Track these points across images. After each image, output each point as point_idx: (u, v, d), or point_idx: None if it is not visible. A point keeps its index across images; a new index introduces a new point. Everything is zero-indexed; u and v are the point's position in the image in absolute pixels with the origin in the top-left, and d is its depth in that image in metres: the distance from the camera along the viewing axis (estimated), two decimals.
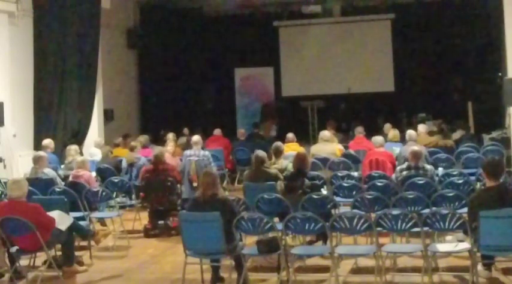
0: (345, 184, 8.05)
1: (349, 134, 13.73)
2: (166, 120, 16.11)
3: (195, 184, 9.30)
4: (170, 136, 11.70)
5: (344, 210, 7.11)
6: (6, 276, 6.68)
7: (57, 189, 8.22)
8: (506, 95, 11.01)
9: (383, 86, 17.34)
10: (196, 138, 10.15)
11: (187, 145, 11.01)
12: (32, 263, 7.10)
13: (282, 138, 11.74)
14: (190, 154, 9.82)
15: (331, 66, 17.63)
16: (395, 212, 6.03)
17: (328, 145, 10.48)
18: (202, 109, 17.87)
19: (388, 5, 17.33)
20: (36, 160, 9.09)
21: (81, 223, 7.36)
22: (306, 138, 14.81)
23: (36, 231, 6.22)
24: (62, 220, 6.72)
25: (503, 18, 11.42)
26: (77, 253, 7.16)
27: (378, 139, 9.57)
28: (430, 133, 11.86)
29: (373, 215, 6.40)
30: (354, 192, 7.78)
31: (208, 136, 13.27)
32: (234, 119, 17.88)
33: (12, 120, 11.21)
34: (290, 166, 8.06)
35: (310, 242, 7.17)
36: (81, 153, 10.97)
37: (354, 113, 16.83)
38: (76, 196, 7.93)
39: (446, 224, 5.87)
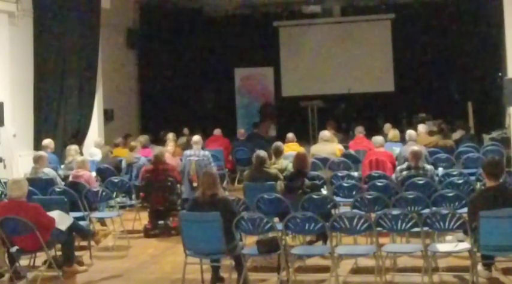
0: (345, 184, 8.05)
1: (349, 134, 13.74)
2: (166, 120, 16.11)
3: (195, 184, 9.31)
4: (170, 136, 11.71)
5: (344, 210, 7.11)
6: (6, 276, 6.67)
7: (57, 189, 8.22)
8: (506, 95, 11.01)
9: (383, 86, 17.33)
10: (196, 138, 10.16)
11: (187, 145, 11.01)
12: (32, 263, 7.11)
13: (282, 138, 11.74)
14: (190, 154, 9.83)
15: (331, 66, 17.62)
16: (395, 212, 6.03)
17: (328, 145, 10.48)
18: (202, 109, 17.86)
19: (388, 5, 17.33)
20: (37, 160, 9.09)
21: (81, 223, 7.36)
22: (306, 138, 14.81)
23: (36, 231, 6.23)
24: (62, 220, 6.72)
25: (503, 18, 11.42)
26: (77, 253, 7.16)
27: (378, 139, 9.57)
28: (430, 133, 11.86)
29: (373, 215, 6.40)
30: (354, 192, 7.78)
31: (208, 136, 13.27)
32: (234, 119, 17.88)
33: (12, 120, 11.21)
34: (290, 166, 8.06)
35: (310, 242, 7.17)
36: (81, 153, 10.97)
37: (354, 113, 16.83)
38: (76, 196, 7.93)
39: (446, 224, 5.87)
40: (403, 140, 10.56)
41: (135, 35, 16.49)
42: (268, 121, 16.57)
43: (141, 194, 9.19)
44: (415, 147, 8.50)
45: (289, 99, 17.68)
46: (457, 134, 12.54)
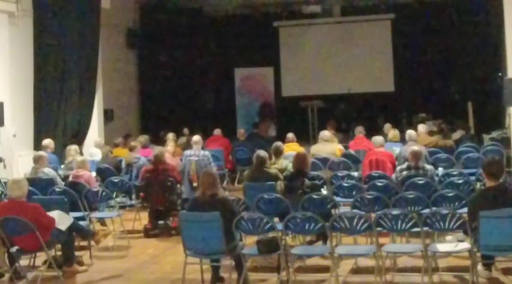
0: (345, 184, 8.05)
1: (349, 134, 13.73)
2: (166, 120, 16.11)
3: (195, 184, 9.30)
4: (170, 136, 11.71)
5: (344, 210, 7.11)
6: (6, 276, 6.67)
7: (57, 189, 8.22)
8: (506, 95, 11.01)
9: (383, 86, 17.33)
10: (196, 138, 10.16)
11: (187, 145, 11.01)
12: (32, 263, 7.11)
13: (282, 138, 11.74)
14: (190, 154, 9.83)
15: (331, 66, 17.62)
16: (395, 212, 6.03)
17: (328, 145, 10.48)
18: (202, 109, 17.86)
19: (388, 5, 17.32)
20: (37, 160, 9.09)
21: (81, 223, 7.36)
22: (306, 138, 14.80)
23: (36, 231, 6.23)
24: (62, 220, 6.72)
25: (503, 18, 11.42)
26: (77, 253, 7.16)
27: (378, 139, 9.57)
28: (430, 133, 11.86)
29: (373, 215, 6.40)
30: (354, 192, 7.78)
31: (208, 136, 13.27)
32: (234, 119, 17.87)
33: (12, 120, 11.21)
34: (290, 166, 8.07)
35: (310, 242, 7.17)
36: (81, 153, 10.97)
37: (354, 113, 16.83)
38: (76, 196, 7.93)
39: (446, 224, 5.87)
40: (403, 140, 10.56)
41: (135, 35, 16.50)
42: (267, 121, 16.57)
43: (141, 194, 9.19)
44: (415, 147, 8.51)
45: (289, 99, 17.67)
46: (457, 134, 12.54)
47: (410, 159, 8.06)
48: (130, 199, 9.63)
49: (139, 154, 10.86)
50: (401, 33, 17.19)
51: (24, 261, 6.96)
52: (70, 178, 8.83)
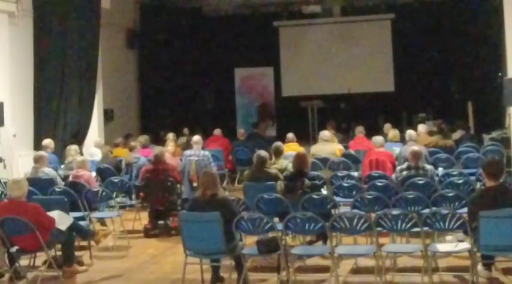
0: (345, 184, 8.05)
1: (349, 134, 13.73)
2: (166, 120, 16.12)
3: (195, 184, 9.30)
4: (170, 136, 11.70)
5: (344, 210, 7.12)
6: (6, 276, 6.67)
7: (57, 189, 8.22)
8: (506, 95, 11.00)
9: (383, 86, 17.33)
10: (196, 138, 10.16)
11: (187, 145, 11.01)
12: (32, 263, 7.11)
13: (282, 138, 11.74)
14: (190, 154, 9.83)
15: (331, 66, 17.61)
16: (395, 212, 6.04)
17: (328, 145, 10.47)
18: (202, 109, 17.86)
19: (388, 5, 17.32)
20: (37, 160, 9.09)
21: (81, 223, 7.36)
22: (306, 138, 14.79)
23: (36, 231, 6.23)
24: (62, 220, 6.72)
25: (503, 18, 11.41)
26: (77, 253, 7.16)
27: (378, 139, 9.57)
28: (430, 133, 11.86)
29: (373, 215, 6.41)
30: (354, 192, 7.78)
31: (208, 136, 13.27)
32: (234, 119, 17.88)
33: (12, 120, 11.21)
34: (290, 166, 8.07)
35: (310, 242, 7.17)
36: (81, 153, 10.97)
37: (354, 113, 16.81)
38: (76, 196, 7.93)
39: (446, 224, 5.88)
40: (403, 140, 10.56)
41: (135, 35, 16.49)
42: (266, 121, 16.57)
43: (141, 194, 9.20)
44: (415, 147, 8.51)
45: (289, 99, 17.67)
46: (457, 134, 12.54)
47: (410, 159, 8.06)
48: (131, 199, 9.62)
49: (139, 154, 10.86)
50: (401, 33, 17.20)
51: (24, 261, 6.96)
52: (70, 178, 8.83)
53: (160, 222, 8.69)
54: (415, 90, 17.07)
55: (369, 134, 11.21)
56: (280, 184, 7.44)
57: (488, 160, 6.36)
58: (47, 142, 10.65)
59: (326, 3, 17.31)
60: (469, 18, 16.23)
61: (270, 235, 6.18)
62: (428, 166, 8.09)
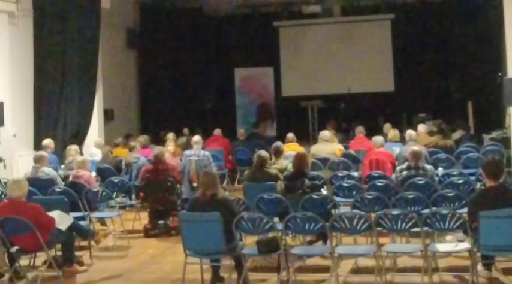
0: (345, 184, 8.05)
1: (349, 134, 13.73)
2: (166, 120, 16.11)
3: (195, 184, 9.30)
4: (170, 136, 11.70)
5: (344, 210, 7.12)
6: (6, 276, 6.67)
7: (57, 189, 8.22)
8: (506, 95, 10.99)
9: (383, 86, 17.32)
10: (196, 138, 10.16)
11: (188, 145, 11.01)
12: (32, 263, 7.11)
13: (282, 138, 11.74)
14: (190, 154, 9.83)
15: (331, 66, 17.61)
16: (395, 212, 6.03)
17: (328, 145, 10.48)
18: (202, 109, 17.85)
19: (388, 5, 17.31)
20: (37, 160, 9.09)
21: (81, 223, 7.36)
22: (306, 138, 14.79)
23: (36, 231, 6.23)
24: (62, 220, 6.72)
25: (503, 18, 11.41)
26: (77, 253, 7.16)
27: (378, 139, 9.57)
28: (430, 133, 11.86)
29: (373, 215, 6.41)
30: (354, 192, 7.78)
31: (208, 136, 13.28)
32: (234, 119, 17.88)
33: (12, 120, 11.21)
34: (290, 166, 8.07)
35: (310, 242, 7.17)
36: (81, 153, 10.97)
37: (354, 113, 16.81)
38: (76, 196, 7.94)
39: (446, 224, 5.88)
40: (403, 140, 10.56)
41: (135, 35, 16.50)
42: (266, 121, 16.57)
43: (141, 194, 9.19)
44: (415, 147, 8.51)
45: (289, 99, 17.66)
46: (457, 134, 12.54)
47: (410, 159, 8.06)
48: (131, 199, 9.62)
49: (139, 154, 10.86)
50: (401, 33, 17.19)
51: (24, 261, 6.96)
52: (70, 178, 8.84)
53: (160, 222, 8.69)
54: (415, 90, 17.06)
55: (369, 134, 11.21)
56: (280, 184, 7.45)
57: (488, 160, 6.35)
58: (47, 142, 10.65)
59: (326, 3, 17.29)
60: (469, 18, 16.23)
61: (270, 235, 6.18)
62: (428, 166, 8.09)
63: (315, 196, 6.97)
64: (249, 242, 6.80)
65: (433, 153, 10.00)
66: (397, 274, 6.31)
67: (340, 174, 8.68)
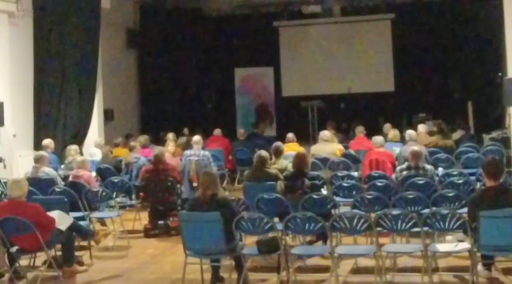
0: (345, 184, 8.05)
1: (349, 134, 13.74)
2: (166, 120, 16.11)
3: (195, 184, 9.30)
4: (170, 136, 11.70)
5: (344, 210, 7.12)
6: (6, 276, 6.67)
7: (57, 189, 8.22)
8: (506, 95, 11.00)
9: (383, 86, 17.33)
10: (196, 138, 10.16)
11: (187, 145, 11.01)
12: (32, 263, 7.11)
13: (282, 138, 11.74)
14: (190, 154, 9.83)
15: (331, 66, 17.61)
16: (395, 212, 6.03)
17: (328, 145, 10.48)
18: (202, 109, 17.87)
19: (388, 5, 17.32)
20: (37, 160, 9.09)
21: (81, 223, 7.36)
22: (306, 138, 14.80)
23: (36, 231, 6.23)
24: (62, 220, 6.72)
25: (503, 18, 11.42)
26: (77, 253, 7.16)
27: (378, 139, 9.57)
28: (430, 133, 11.85)
29: (373, 215, 6.40)
30: (354, 192, 7.78)
31: (208, 136, 13.27)
32: (234, 119, 17.88)
33: (12, 120, 11.21)
34: (290, 166, 8.07)
35: (310, 242, 7.17)
36: (81, 153, 10.97)
37: (354, 113, 16.82)
38: (76, 196, 7.94)
39: (446, 224, 5.87)
40: (403, 140, 10.56)
41: (135, 35, 16.49)
42: (265, 121, 16.59)
43: (141, 194, 9.19)
44: (415, 147, 8.50)
45: (289, 99, 17.68)
46: (457, 134, 12.55)
47: (410, 159, 8.06)
48: (131, 199, 9.62)
49: (139, 154, 10.86)
50: (401, 33, 17.20)
51: (24, 261, 6.97)
52: (70, 178, 8.84)
53: (160, 222, 8.69)
54: (415, 90, 17.07)
55: (369, 134, 11.21)
56: (280, 184, 7.44)
57: (488, 160, 6.35)
58: (47, 142, 10.64)
59: (326, 3, 17.28)
60: (469, 18, 16.24)
61: (270, 235, 6.17)
62: (428, 166, 8.08)
63: (315, 196, 6.97)
64: (249, 242, 6.80)
65: (433, 153, 10.00)
66: (397, 274, 6.31)
67: (340, 174, 8.68)
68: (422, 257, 5.98)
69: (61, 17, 12.07)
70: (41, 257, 7.00)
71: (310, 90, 17.28)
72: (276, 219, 6.77)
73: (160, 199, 8.73)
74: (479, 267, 6.03)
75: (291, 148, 10.60)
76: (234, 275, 6.19)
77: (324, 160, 9.85)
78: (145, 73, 16.99)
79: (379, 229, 6.02)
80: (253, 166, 8.31)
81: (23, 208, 6.37)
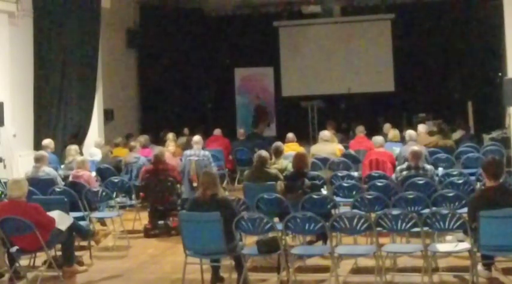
0: (345, 184, 8.04)
1: (349, 134, 13.74)
2: (166, 120, 16.11)
3: (195, 184, 9.30)
4: (170, 136, 11.71)
5: (344, 210, 7.11)
6: (6, 276, 6.67)
7: (57, 189, 8.22)
8: (506, 95, 11.00)
9: (383, 86, 17.33)
10: (196, 138, 10.16)
11: (188, 145, 11.01)
12: (32, 263, 7.11)
13: (282, 138, 11.74)
14: (190, 154, 9.83)
15: (331, 66, 17.62)
16: (395, 212, 6.03)
17: (328, 145, 10.48)
18: (202, 109, 17.87)
19: (388, 5, 17.32)
20: (38, 160, 9.09)
21: (81, 223, 7.36)
22: (306, 138, 14.81)
23: (36, 231, 6.23)
24: (62, 220, 6.72)
25: (503, 18, 11.42)
26: (77, 253, 7.16)
27: (378, 139, 9.57)
28: (430, 133, 11.86)
29: (373, 215, 6.40)
30: (354, 192, 7.78)
31: (208, 136, 13.27)
32: (234, 119, 17.89)
33: (12, 120, 11.21)
34: (290, 166, 8.06)
35: (310, 242, 7.17)
36: (81, 153, 10.97)
37: (354, 113, 16.83)
38: (76, 196, 7.94)
39: (446, 224, 5.87)
40: (403, 140, 10.56)
41: (135, 35, 16.49)
42: (264, 122, 16.59)
43: (141, 194, 9.19)
44: (415, 147, 8.50)
45: (289, 99, 17.69)
46: (457, 134, 12.54)
47: (410, 159, 8.06)
48: (131, 199, 9.62)
49: (139, 154, 10.86)
50: (401, 33, 17.20)
51: (24, 261, 6.97)
52: (70, 178, 8.84)
53: (160, 222, 8.69)
54: (415, 90, 17.08)
55: (369, 134, 11.21)
56: (280, 184, 7.44)
57: (488, 160, 6.34)
58: (47, 142, 10.64)
59: (326, 3, 17.30)
60: (469, 18, 16.25)
61: (270, 235, 6.17)
62: (428, 166, 8.08)
63: (315, 196, 6.97)
64: (249, 242, 6.80)
65: (433, 153, 10.00)
66: (397, 274, 6.31)
67: (340, 174, 8.68)
68: (422, 257, 5.98)
69: (61, 17, 12.07)
70: (41, 257, 7.01)
71: (310, 90, 17.29)
72: (276, 219, 6.78)
73: (160, 199, 8.73)
74: (479, 267, 6.03)
75: (291, 148, 10.59)
76: (234, 275, 6.19)
77: (324, 160, 9.84)
78: (145, 73, 16.99)
79: (379, 229, 6.02)
80: (253, 166, 8.31)
81: (23, 208, 6.37)
